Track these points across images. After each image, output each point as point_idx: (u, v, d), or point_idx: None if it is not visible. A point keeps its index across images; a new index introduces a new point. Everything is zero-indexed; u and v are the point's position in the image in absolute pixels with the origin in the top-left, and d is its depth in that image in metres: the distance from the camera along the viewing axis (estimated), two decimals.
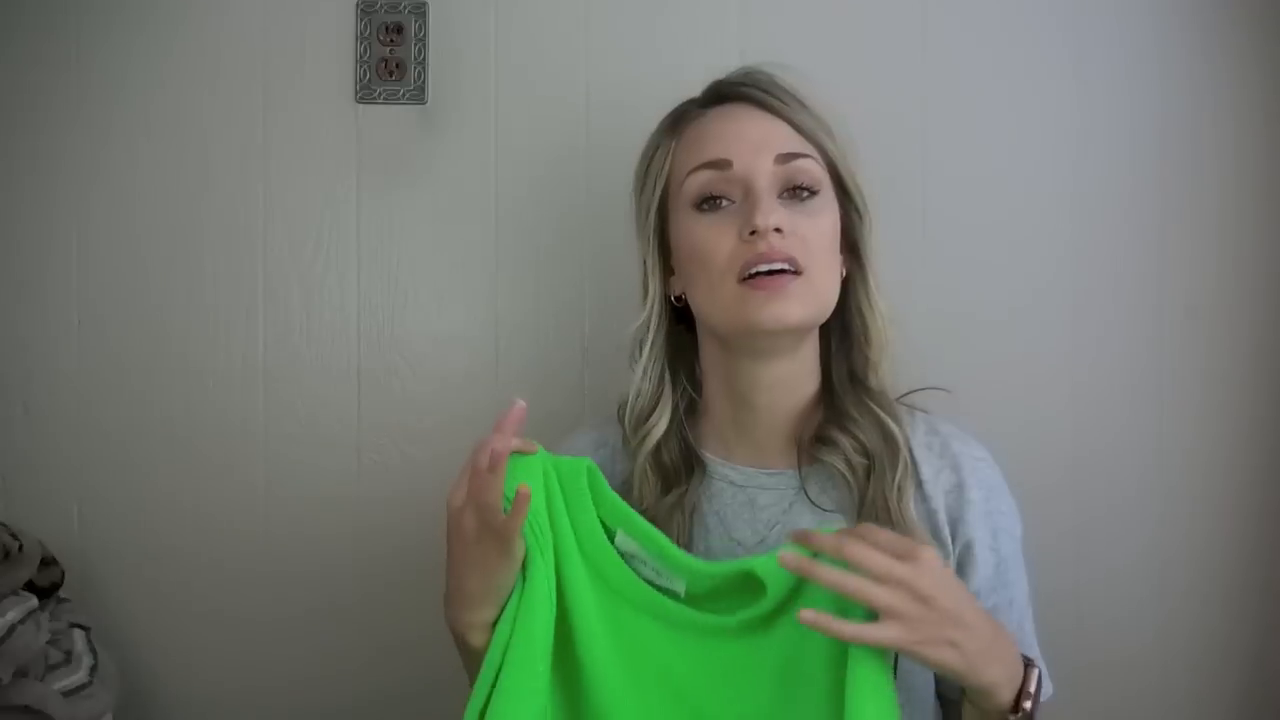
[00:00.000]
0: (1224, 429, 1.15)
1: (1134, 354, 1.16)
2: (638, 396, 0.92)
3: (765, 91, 0.89)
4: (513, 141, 1.18)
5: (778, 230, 0.83)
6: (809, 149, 0.88)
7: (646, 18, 1.17)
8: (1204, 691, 1.15)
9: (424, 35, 1.17)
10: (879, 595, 0.70)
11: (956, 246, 1.15)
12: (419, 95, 1.17)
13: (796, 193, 0.86)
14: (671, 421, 0.92)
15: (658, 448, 0.91)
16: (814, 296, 0.85)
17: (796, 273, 0.83)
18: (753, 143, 0.86)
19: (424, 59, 1.17)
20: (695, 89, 0.94)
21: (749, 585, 0.78)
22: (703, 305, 0.88)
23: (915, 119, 1.16)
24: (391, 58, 1.16)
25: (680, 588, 0.81)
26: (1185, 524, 1.15)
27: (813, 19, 1.16)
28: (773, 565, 0.75)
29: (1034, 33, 1.16)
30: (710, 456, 0.92)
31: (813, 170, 0.87)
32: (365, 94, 1.17)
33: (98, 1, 1.17)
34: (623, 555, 0.82)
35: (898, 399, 0.92)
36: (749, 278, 0.83)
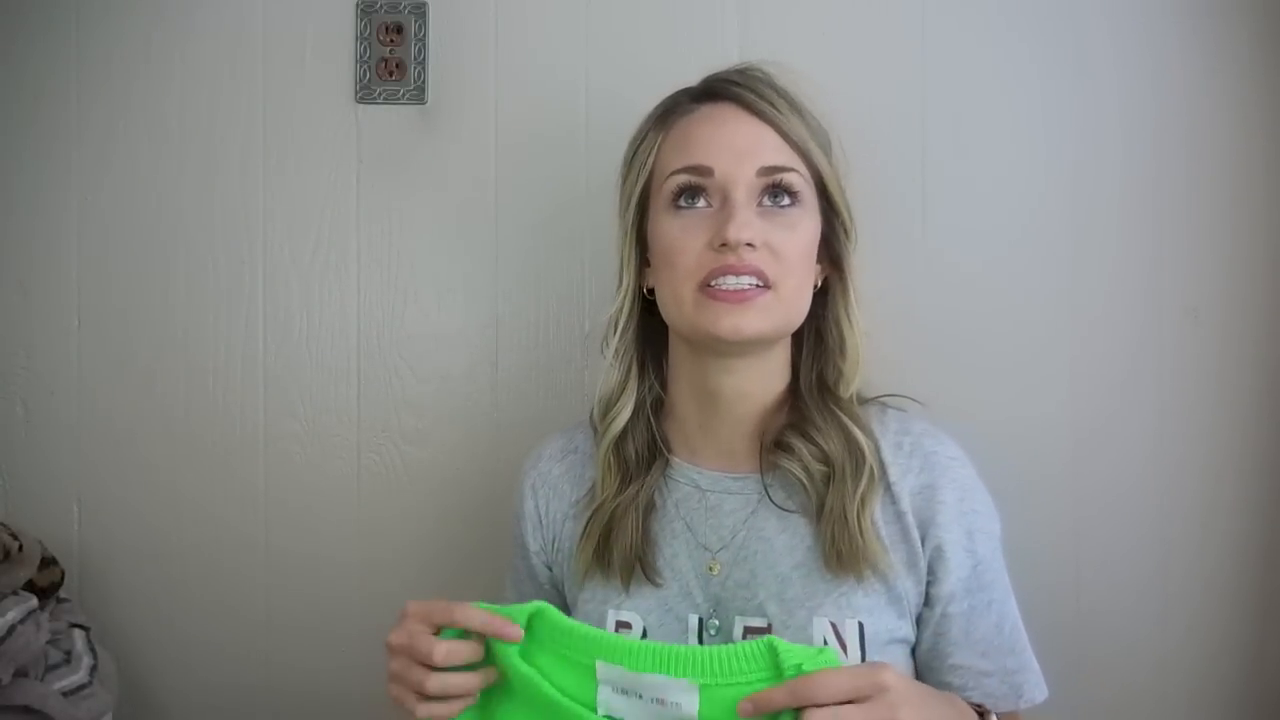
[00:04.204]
0: (1223, 429, 1.15)
1: (1133, 354, 1.16)
2: (607, 383, 0.93)
3: (757, 94, 0.87)
4: (513, 141, 1.18)
5: (749, 245, 0.82)
6: (795, 161, 0.86)
7: (646, 18, 1.17)
8: (1202, 686, 1.15)
9: (424, 35, 1.17)
10: None
11: (955, 247, 1.15)
12: (419, 95, 1.17)
13: (776, 200, 0.85)
14: (636, 412, 0.92)
15: (622, 437, 0.91)
16: (780, 309, 0.85)
17: (765, 286, 0.83)
18: (737, 151, 0.85)
19: (424, 59, 1.17)
20: None
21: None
22: (667, 304, 0.88)
23: (914, 119, 1.15)
24: (391, 58, 1.17)
25: (692, 703, 0.70)
26: (1185, 523, 1.15)
27: (811, 18, 1.16)
28: (799, 652, 0.68)
29: (1034, 34, 1.16)
30: (676, 460, 0.92)
31: (796, 183, 0.86)
32: (365, 94, 1.17)
33: (99, 2, 1.18)
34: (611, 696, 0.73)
35: (873, 399, 0.92)
36: (710, 286, 0.83)
